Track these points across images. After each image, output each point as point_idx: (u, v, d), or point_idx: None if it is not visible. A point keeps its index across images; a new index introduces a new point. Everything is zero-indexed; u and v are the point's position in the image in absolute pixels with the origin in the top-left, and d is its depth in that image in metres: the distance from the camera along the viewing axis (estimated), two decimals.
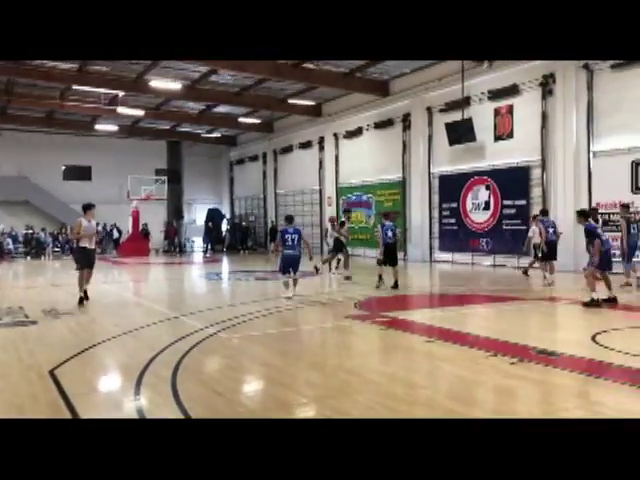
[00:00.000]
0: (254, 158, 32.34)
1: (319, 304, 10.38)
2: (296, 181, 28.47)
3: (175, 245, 30.57)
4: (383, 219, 13.29)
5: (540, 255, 13.04)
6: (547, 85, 16.34)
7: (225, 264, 23.19)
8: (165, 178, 30.93)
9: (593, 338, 6.97)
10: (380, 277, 12.42)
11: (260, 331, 7.99)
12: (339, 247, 14.97)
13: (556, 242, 13.07)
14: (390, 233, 12.51)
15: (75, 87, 22.26)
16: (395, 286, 12.20)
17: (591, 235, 9.65)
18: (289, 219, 11.58)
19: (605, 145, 14.96)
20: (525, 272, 14.70)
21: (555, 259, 13.08)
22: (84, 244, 10.52)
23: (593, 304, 9.34)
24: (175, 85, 21.38)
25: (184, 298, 12.80)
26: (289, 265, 10.96)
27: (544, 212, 13.73)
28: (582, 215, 10.05)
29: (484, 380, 5.45)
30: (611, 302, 9.55)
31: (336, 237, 14.97)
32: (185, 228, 33.47)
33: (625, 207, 12.09)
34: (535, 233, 13.48)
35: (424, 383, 5.42)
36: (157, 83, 21.05)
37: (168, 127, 31.04)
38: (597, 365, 5.85)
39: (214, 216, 32.52)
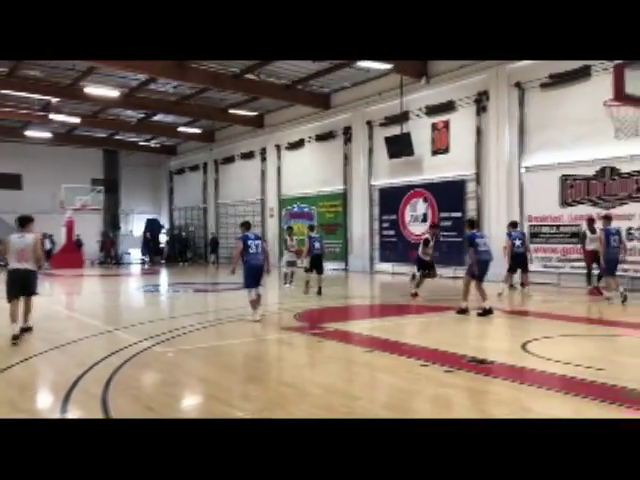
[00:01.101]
0: (195, 168, 31.89)
1: (259, 312, 10.27)
2: (237, 192, 28.26)
3: (111, 256, 29.63)
4: (309, 231, 14.63)
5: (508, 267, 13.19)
6: (481, 102, 16.94)
7: (163, 276, 22.66)
8: (101, 188, 30.00)
9: (523, 346, 7.21)
10: (307, 283, 13.56)
11: (197, 344, 7.83)
12: (423, 266, 12.86)
13: (524, 253, 13.28)
14: (317, 244, 13.65)
15: (4, 92, 21.33)
16: (319, 292, 13.22)
17: (469, 244, 10.10)
18: (247, 225, 10.13)
19: (535, 160, 15.62)
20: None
21: (525, 270, 13.28)
22: (13, 264, 8.11)
23: (463, 312, 9.93)
24: (112, 92, 20.83)
25: (119, 311, 12.40)
26: (257, 277, 9.51)
27: (513, 224, 13.85)
28: (469, 224, 10.83)
29: (419, 389, 5.53)
30: (486, 313, 9.75)
31: (419, 257, 12.89)
32: (122, 239, 32.53)
33: (607, 219, 11.83)
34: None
35: (361, 394, 5.44)
36: (93, 90, 20.45)
37: (105, 135, 30.20)
38: (527, 372, 6.05)
39: (153, 227, 31.77)
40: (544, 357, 6.59)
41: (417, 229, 19.21)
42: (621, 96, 6.19)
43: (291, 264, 15.42)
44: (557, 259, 14.97)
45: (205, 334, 8.62)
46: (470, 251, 10.12)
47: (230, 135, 28.46)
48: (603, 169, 14.04)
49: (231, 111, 24.21)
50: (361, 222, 21.22)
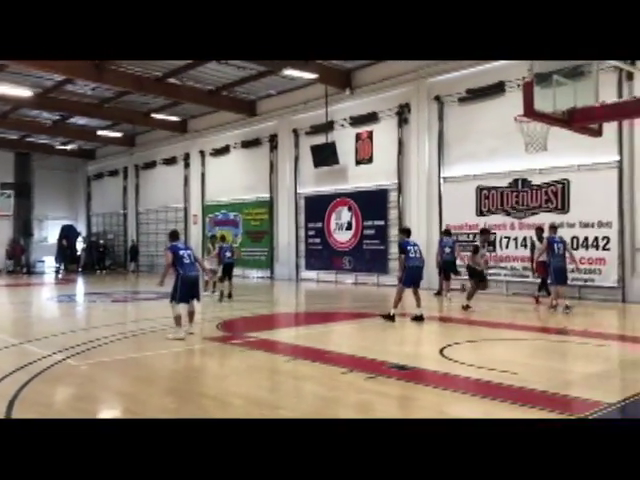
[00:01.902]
0: (114, 173, 30.77)
1: (193, 325, 9.99)
2: (159, 198, 27.52)
3: (22, 265, 28.00)
4: (220, 241, 15.10)
5: (445, 274, 13.79)
6: (403, 114, 17.42)
7: (79, 285, 21.66)
8: (11, 192, 28.32)
9: (441, 351, 7.43)
10: (222, 292, 13.95)
11: (113, 357, 7.50)
12: (475, 275, 12.12)
13: (454, 261, 13.95)
14: (228, 253, 14.16)
15: None
16: (229, 296, 13.95)
17: (400, 251, 10.37)
18: (175, 235, 9.25)
19: (454, 172, 16.22)
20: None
21: (455, 274, 13.99)
22: None
23: (389, 318, 10.08)
24: (25, 92, 19.74)
25: (29, 323, 11.69)
26: (191, 290, 8.76)
27: (447, 232, 14.54)
28: (402, 232, 11.01)
29: (340, 397, 5.56)
30: (418, 319, 10.04)
31: (470, 266, 12.29)
32: (35, 246, 30.82)
33: (553, 228, 11.95)
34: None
35: (283, 403, 5.40)
36: (3, 89, 19.30)
37: (17, 137, 28.57)
38: (444, 377, 6.22)
39: (68, 234, 30.33)
40: (460, 362, 6.82)
41: (342, 237, 19.44)
42: (530, 112, 6.53)
43: (213, 272, 15.15)
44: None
45: (122, 346, 8.29)
46: (400, 258, 10.33)
47: (152, 140, 27.72)
48: (516, 181, 14.81)
49: (153, 115, 23.57)
50: (287, 230, 21.23)
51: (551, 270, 11.42)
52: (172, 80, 19.43)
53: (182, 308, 8.75)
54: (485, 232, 12.61)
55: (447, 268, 13.89)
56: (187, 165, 25.88)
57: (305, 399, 5.61)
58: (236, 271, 21.88)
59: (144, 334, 9.23)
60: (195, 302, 9.00)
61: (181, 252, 8.65)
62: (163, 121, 24.44)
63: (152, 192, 28.13)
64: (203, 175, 25.09)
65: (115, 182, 30.74)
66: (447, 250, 13.94)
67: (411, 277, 10.26)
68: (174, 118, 24.45)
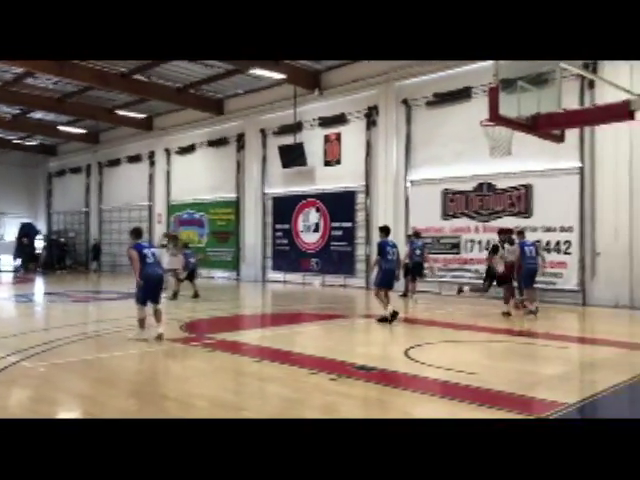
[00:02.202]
0: (76, 170, 30.05)
1: (162, 325, 9.80)
2: (123, 196, 27.00)
3: None
4: (183, 248, 14.98)
5: (409, 274, 13.97)
6: (371, 116, 17.50)
7: (39, 284, 21.07)
8: None
9: (406, 353, 7.46)
10: (175, 293, 13.87)
11: (73, 358, 7.29)
12: (493, 276, 11.93)
13: (422, 263, 14.18)
14: (192, 259, 14.59)
15: None
16: (196, 295, 14.08)
17: (379, 252, 10.21)
18: (137, 232, 8.72)
19: (420, 175, 16.37)
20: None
21: (421, 277, 14.29)
22: None
23: (384, 320, 9.98)
24: None
25: None
26: (156, 291, 8.43)
27: (417, 234, 14.69)
28: (381, 230, 10.65)
29: (306, 398, 5.52)
30: (390, 320, 9.93)
31: (490, 266, 11.96)
32: None
33: (521, 234, 11.80)
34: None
35: (247, 405, 5.33)
36: None
37: None
38: (408, 378, 6.25)
39: (28, 231, 29.48)
40: (425, 363, 6.86)
41: (309, 238, 19.41)
42: (495, 116, 6.63)
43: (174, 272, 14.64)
44: (439, 269, 15.74)
45: (83, 347, 8.07)
46: (377, 259, 10.22)
47: (116, 137, 27.19)
48: (481, 185, 15.03)
49: (118, 112, 23.12)
50: (254, 230, 21.08)
51: (523, 273, 11.28)
52: (138, 76, 19.10)
53: (145, 309, 8.44)
54: (506, 232, 11.59)
55: (415, 270, 14.04)
56: (152, 163, 25.47)
57: (270, 401, 5.55)
58: (202, 272, 21.78)
59: (106, 335, 9.01)
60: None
61: (145, 251, 8.33)
62: (128, 118, 23.98)
63: (116, 190, 27.59)
64: (168, 174, 24.73)
65: (77, 179, 30.04)
66: (417, 252, 14.10)
67: (386, 279, 10.18)
68: (140, 115, 24.03)
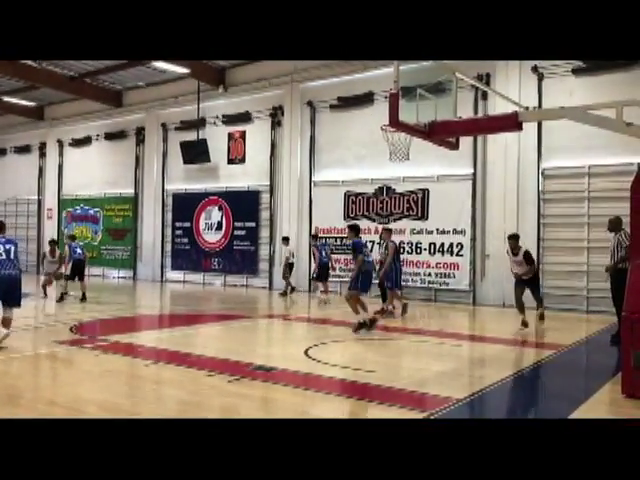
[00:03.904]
0: None
1: (28, 329, 9.15)
2: (9, 189, 25.08)
3: None
4: (68, 239, 14.54)
5: (315, 276, 14.15)
6: (276, 116, 17.49)
7: None
8: None
9: (306, 352, 7.50)
10: (63, 294, 13.06)
11: None
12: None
13: (328, 263, 14.26)
14: (79, 250, 13.59)
15: None
16: (83, 298, 12.91)
17: (355, 251, 9.32)
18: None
19: (324, 176, 16.58)
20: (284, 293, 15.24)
21: (327, 279, 14.24)
22: None
23: (361, 327, 9.03)
24: None
25: None
26: (4, 292, 7.37)
27: (314, 236, 14.95)
28: (351, 229, 9.55)
29: (203, 401, 5.38)
30: (369, 327, 9.14)
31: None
32: None
33: (388, 231, 11.91)
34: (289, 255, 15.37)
35: (140, 409, 5.10)
36: None
37: None
38: (307, 378, 6.28)
39: None
40: (323, 362, 6.93)
41: (212, 237, 19.05)
42: (395, 122, 6.82)
43: (49, 275, 14.19)
44: (340, 269, 16.01)
45: None
46: (360, 258, 9.16)
47: (3, 125, 25.23)
48: (381, 188, 15.48)
49: (4, 98, 21.46)
50: (152, 228, 20.37)
51: (393, 275, 11.21)
52: (28, 62, 17.84)
53: None
54: (513, 237, 10.04)
55: (324, 271, 14.16)
56: (43, 155, 23.92)
57: (165, 404, 5.36)
58: (95, 270, 20.77)
59: None
60: (14, 309, 7.58)
61: None
62: (16, 105, 22.35)
63: (1, 182, 25.59)
64: (61, 166, 23.33)
65: None
66: (324, 253, 14.26)
67: (366, 282, 9.31)
68: (29, 103, 22.46)
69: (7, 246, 7.46)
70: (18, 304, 7.64)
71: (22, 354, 7.41)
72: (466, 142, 12.45)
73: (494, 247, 13.74)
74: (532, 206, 13.29)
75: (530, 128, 12.30)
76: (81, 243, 14.53)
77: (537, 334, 9.63)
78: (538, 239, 13.17)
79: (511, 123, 7.28)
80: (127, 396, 5.62)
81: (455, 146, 8.38)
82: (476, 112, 13.61)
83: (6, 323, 7.45)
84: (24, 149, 24.58)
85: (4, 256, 7.36)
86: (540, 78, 13.17)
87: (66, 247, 13.88)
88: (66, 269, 13.49)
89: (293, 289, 15.53)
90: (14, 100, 21.75)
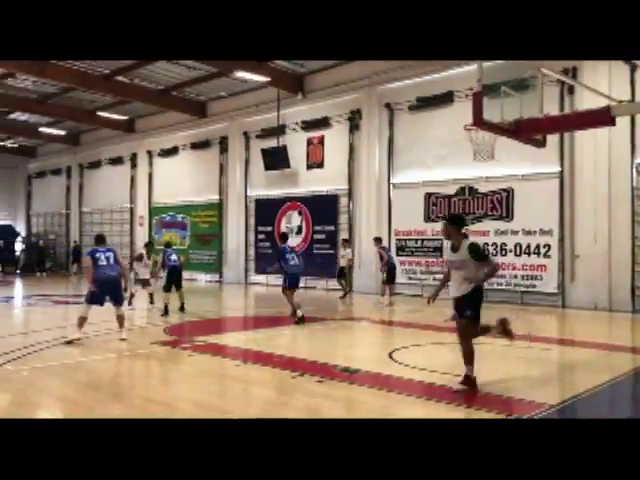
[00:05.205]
0: (57, 172, 29.72)
1: (124, 331, 9.72)
2: (104, 198, 26.75)
3: None
4: (164, 246, 13.18)
5: (386, 279, 13.92)
6: (354, 120, 17.58)
7: (18, 287, 20.77)
8: None
9: (390, 355, 7.51)
10: (166, 306, 11.68)
11: (55, 361, 7.22)
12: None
13: (394, 267, 14.42)
14: (174, 256, 12.35)
15: None
16: (182, 309, 12.04)
17: (279, 256, 11.06)
18: (98, 239, 9.02)
19: (403, 178, 16.48)
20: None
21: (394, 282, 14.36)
22: None
23: (300, 320, 10.42)
24: None
25: None
26: (106, 292, 8.41)
27: (379, 239, 14.60)
28: (280, 237, 11.88)
29: (290, 401, 5.53)
30: (301, 321, 10.49)
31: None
32: None
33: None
34: (344, 257, 15.61)
35: (231, 408, 5.32)
36: None
37: None
38: (392, 380, 6.29)
39: (6, 234, 29.06)
40: (408, 365, 6.91)
41: (292, 241, 19.37)
42: (479, 121, 6.71)
43: (143, 282, 13.35)
44: (421, 271, 15.85)
45: (65, 350, 7.98)
46: (279, 263, 10.92)
47: (97, 138, 26.94)
48: (463, 188, 15.18)
49: (99, 113, 22.92)
50: (236, 233, 21.03)
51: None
52: (120, 78, 18.98)
53: (88, 310, 8.45)
54: (150, 244, 12.69)
55: (393, 273, 14.11)
56: (134, 165, 25.29)
57: (254, 403, 5.55)
58: (184, 275, 21.56)
59: (87, 338, 8.91)
60: (123, 307, 8.87)
61: (97, 254, 8.50)
62: (109, 120, 23.80)
63: (97, 192, 27.33)
64: (150, 176, 24.57)
65: (58, 181, 29.71)
66: (392, 255, 14.30)
67: (293, 281, 10.94)
68: (121, 117, 23.85)
69: (107, 254, 8.64)
70: (121, 302, 8.80)
71: (122, 354, 7.91)
72: (552, 138, 11.99)
73: (584, 247, 13.13)
74: (625, 204, 12.59)
75: (621, 122, 11.67)
76: (176, 249, 13.91)
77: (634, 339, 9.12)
78: (633, 237, 12.46)
79: (604, 118, 6.97)
80: (219, 395, 5.88)
81: (542, 143, 8.13)
82: (562, 108, 13.08)
83: (120, 320, 8.67)
84: (117, 160, 26.10)
85: (105, 262, 8.52)
86: (633, 69, 12.47)
87: (160, 253, 12.97)
88: (157, 277, 12.94)
89: (348, 292, 15.77)
90: (107, 115, 23.16)
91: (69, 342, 8.29)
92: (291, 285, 10.91)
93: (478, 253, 5.76)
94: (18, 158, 31.30)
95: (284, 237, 11.67)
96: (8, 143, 29.50)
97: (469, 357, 5.85)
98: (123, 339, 8.55)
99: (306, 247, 18.92)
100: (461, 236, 5.93)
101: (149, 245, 14.29)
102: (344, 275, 15.99)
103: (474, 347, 5.87)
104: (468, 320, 5.78)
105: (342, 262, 16.16)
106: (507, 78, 7.57)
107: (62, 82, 18.94)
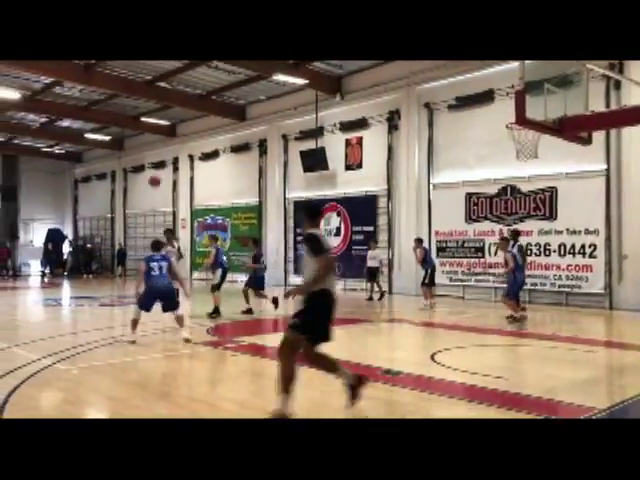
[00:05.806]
0: (102, 176, 30.60)
1: (168, 331, 9.95)
2: (147, 202, 27.38)
3: (8, 268, 27.72)
4: (211, 240, 12.80)
5: (427, 281, 13.59)
6: (393, 120, 17.51)
7: (66, 289, 21.46)
8: None
9: (432, 357, 7.46)
10: (217, 307, 11.71)
11: (103, 361, 7.45)
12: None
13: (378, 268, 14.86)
14: (225, 257, 12.21)
15: None
16: (215, 312, 11.71)
17: (256, 259, 12.47)
18: (154, 245, 9.02)
19: (443, 178, 16.32)
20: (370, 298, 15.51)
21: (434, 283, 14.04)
22: None
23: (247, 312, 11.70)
24: (13, 94, 19.58)
25: (16, 327, 11.56)
26: (156, 300, 8.63)
27: (420, 240, 14.22)
28: (255, 243, 13.04)
29: (333, 402, 5.55)
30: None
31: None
32: (21, 249, 30.52)
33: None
34: (375, 258, 15.75)
35: (271, 408, 5.37)
36: None
37: (3, 139, 28.33)
38: (435, 382, 6.25)
39: (54, 237, 30.07)
40: (450, 367, 6.85)
41: (331, 242, 19.41)
42: (522, 120, 6.61)
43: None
44: (462, 273, 15.66)
45: (112, 350, 8.22)
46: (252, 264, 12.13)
47: (140, 143, 27.61)
48: (504, 188, 14.93)
49: (142, 119, 23.49)
50: (276, 235, 21.22)
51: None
52: (162, 84, 19.40)
53: (140, 313, 8.60)
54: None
55: (433, 275, 13.84)
56: (176, 169, 25.80)
57: (298, 404, 5.59)
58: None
59: (129, 340, 9.14)
60: (185, 307, 8.99)
61: (152, 264, 8.60)
62: (152, 125, 24.35)
63: (140, 196, 27.99)
64: (192, 179, 25.03)
65: (103, 185, 30.56)
66: (433, 256, 14.12)
67: (260, 281, 11.50)
68: (163, 122, 24.37)
69: (161, 263, 8.71)
70: (175, 308, 8.80)
71: (167, 354, 8.09)
72: (598, 135, 11.66)
73: (632, 247, 12.74)
74: None
75: None
76: (222, 248, 13.64)
77: None
78: None
79: None
80: (262, 395, 5.94)
81: (587, 141, 7.93)
82: (608, 103, 12.71)
83: (179, 321, 8.75)
84: (159, 164, 26.68)
85: (157, 272, 8.60)
86: None
87: (213, 249, 12.28)
88: (214, 275, 12.27)
89: (383, 294, 15.68)
90: (150, 120, 23.72)
91: (132, 342, 8.45)
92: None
93: (312, 245, 4.76)
94: (65, 164, 32.38)
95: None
96: (55, 149, 30.52)
97: (284, 382, 4.67)
98: (187, 340, 8.47)
99: (345, 248, 18.94)
100: (312, 227, 4.93)
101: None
102: (374, 276, 15.79)
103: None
104: (291, 330, 4.63)
105: (371, 263, 15.90)
106: (550, 75, 7.40)
107: (107, 89, 19.49)
